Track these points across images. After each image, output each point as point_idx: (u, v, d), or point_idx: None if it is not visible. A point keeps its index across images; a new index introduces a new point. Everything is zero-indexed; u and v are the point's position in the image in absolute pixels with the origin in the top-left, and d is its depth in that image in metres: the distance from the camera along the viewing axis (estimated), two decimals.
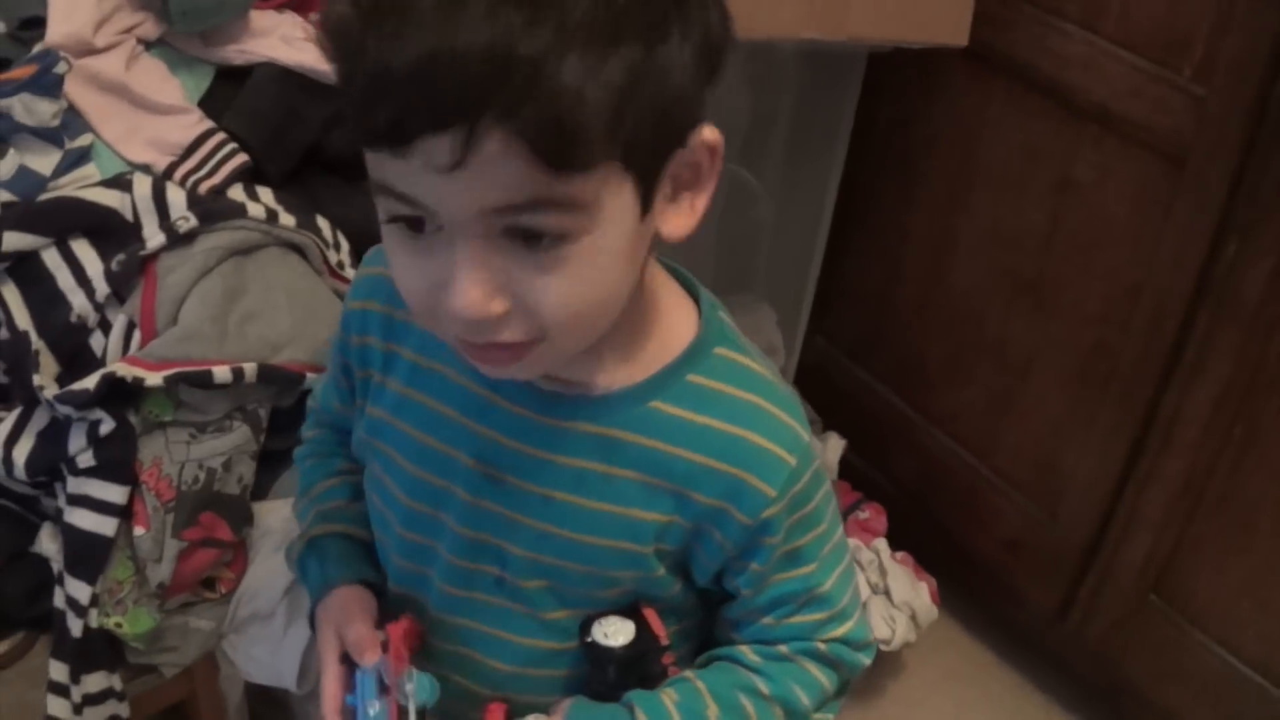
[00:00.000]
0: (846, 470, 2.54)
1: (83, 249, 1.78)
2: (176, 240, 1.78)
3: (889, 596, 2.33)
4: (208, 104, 1.92)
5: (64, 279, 1.77)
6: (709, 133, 1.02)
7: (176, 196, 1.81)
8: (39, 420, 1.77)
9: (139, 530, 1.75)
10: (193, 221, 1.78)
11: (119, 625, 1.76)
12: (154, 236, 1.77)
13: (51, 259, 1.78)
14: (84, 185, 1.83)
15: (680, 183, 1.03)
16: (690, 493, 1.12)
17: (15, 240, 1.75)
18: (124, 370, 1.69)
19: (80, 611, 1.74)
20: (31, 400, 1.77)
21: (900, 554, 2.41)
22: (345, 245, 1.88)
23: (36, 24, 1.97)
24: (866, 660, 1.28)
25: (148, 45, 1.98)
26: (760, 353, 1.20)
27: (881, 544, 2.40)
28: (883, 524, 2.49)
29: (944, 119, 2.38)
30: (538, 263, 0.95)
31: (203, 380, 1.73)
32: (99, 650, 1.78)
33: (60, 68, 1.82)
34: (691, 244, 2.48)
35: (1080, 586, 2.30)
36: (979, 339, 2.40)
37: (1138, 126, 2.02)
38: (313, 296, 1.82)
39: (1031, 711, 2.45)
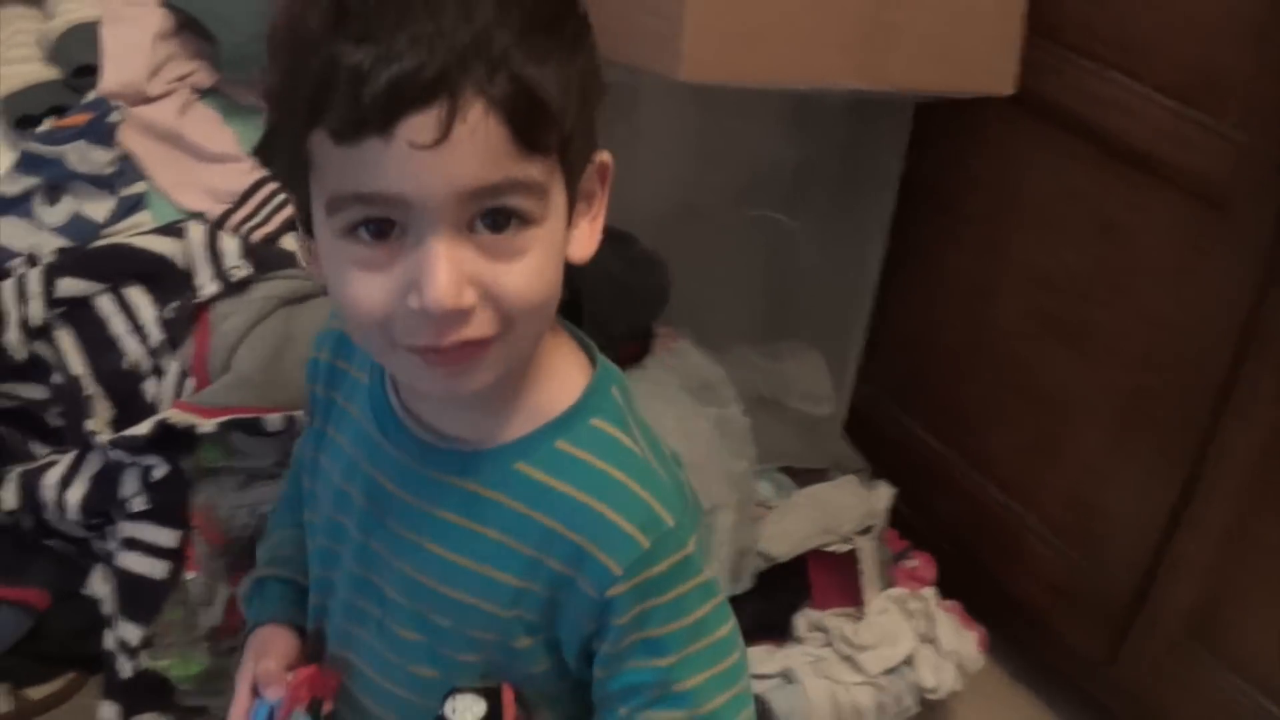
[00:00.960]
0: (896, 518, 2.53)
1: (136, 295, 1.81)
2: (230, 288, 1.81)
3: (936, 646, 2.32)
4: None
5: (117, 325, 1.80)
6: (603, 154, 1.11)
7: (230, 245, 1.85)
8: (92, 464, 1.80)
9: (190, 574, 1.77)
10: (246, 270, 1.81)
11: (170, 667, 1.78)
12: (207, 284, 1.80)
13: (105, 305, 1.81)
14: (137, 232, 1.86)
15: (584, 200, 1.11)
16: (544, 558, 1.11)
17: (70, 286, 1.78)
18: (177, 416, 1.72)
19: (131, 653, 1.76)
20: (85, 444, 1.79)
21: (949, 603, 2.40)
22: None
23: (90, 72, 2.00)
24: None
25: (201, 93, 2.01)
26: (652, 436, 1.20)
27: (930, 593, 2.39)
28: (931, 572, 2.47)
29: (986, 163, 2.38)
30: (502, 251, 1.00)
31: (255, 427, 1.76)
32: (150, 691, 1.80)
33: (114, 116, 1.86)
34: (741, 290, 2.49)
35: (1124, 632, 2.27)
36: (1021, 382, 2.40)
37: (1178, 170, 2.01)
38: None
39: None
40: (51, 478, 1.81)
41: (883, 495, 2.49)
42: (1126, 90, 2.07)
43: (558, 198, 1.03)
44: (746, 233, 2.52)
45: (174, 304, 1.80)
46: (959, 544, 2.56)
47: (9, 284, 1.81)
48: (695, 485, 1.95)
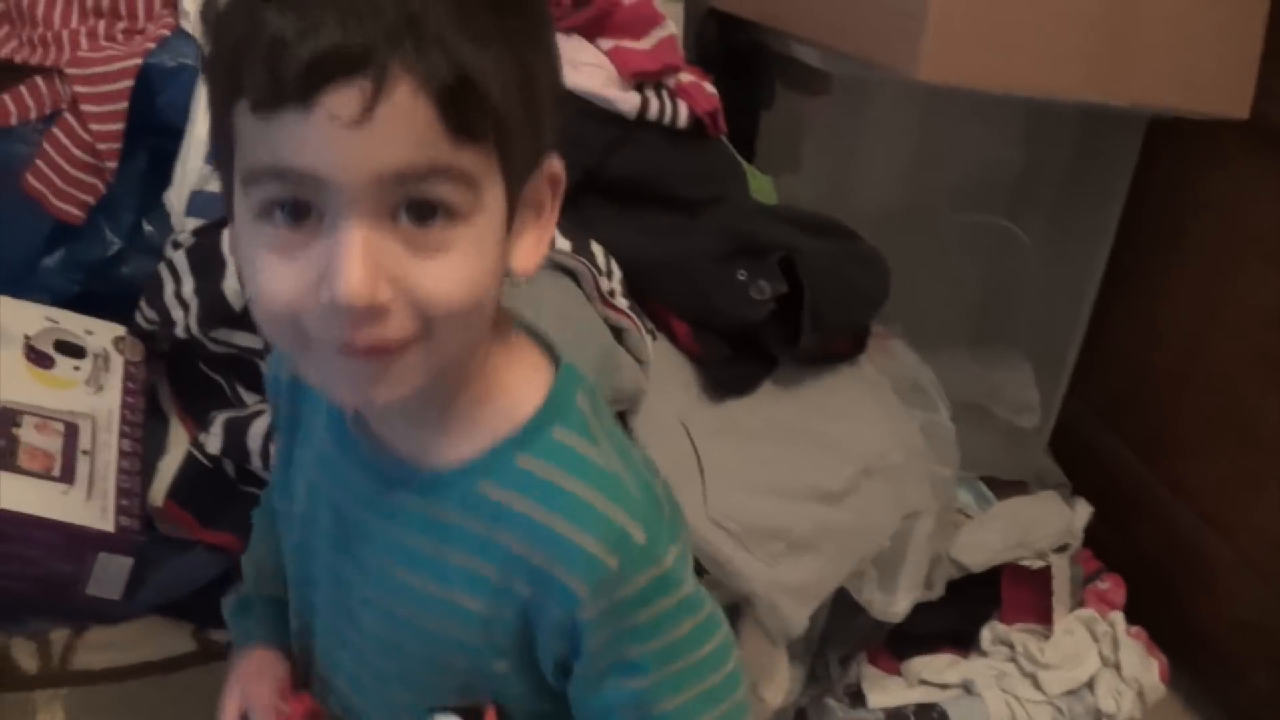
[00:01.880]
0: (1091, 538, 2.48)
1: None
2: None
3: (1119, 671, 2.27)
4: None
5: None
6: (555, 164, 1.06)
7: None
8: None
9: None
10: None
11: None
12: None
13: None
14: None
15: (531, 209, 1.04)
16: (511, 582, 1.06)
17: None
18: None
19: None
20: None
21: (1135, 629, 2.35)
22: (618, 273, 1.88)
23: None
24: None
25: None
26: (624, 443, 1.14)
27: (1117, 617, 2.35)
28: (1121, 597, 2.43)
29: (1217, 189, 2.33)
30: (424, 245, 0.94)
31: None
32: None
33: None
34: (957, 294, 2.47)
35: None
36: (1234, 416, 2.34)
37: None
38: (582, 321, 1.80)
39: None
40: (258, 427, 1.82)
41: (1081, 514, 2.45)
42: None
43: (492, 196, 0.97)
44: (967, 236, 2.49)
45: None
46: (1151, 570, 2.51)
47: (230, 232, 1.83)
48: (899, 488, 1.97)
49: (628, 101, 1.96)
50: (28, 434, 1.85)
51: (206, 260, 1.83)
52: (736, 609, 1.79)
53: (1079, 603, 2.33)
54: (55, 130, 2.03)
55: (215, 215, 1.88)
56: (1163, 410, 2.49)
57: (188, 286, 1.83)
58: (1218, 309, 2.35)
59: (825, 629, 2.13)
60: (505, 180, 0.97)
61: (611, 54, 1.98)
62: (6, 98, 2.09)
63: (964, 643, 2.27)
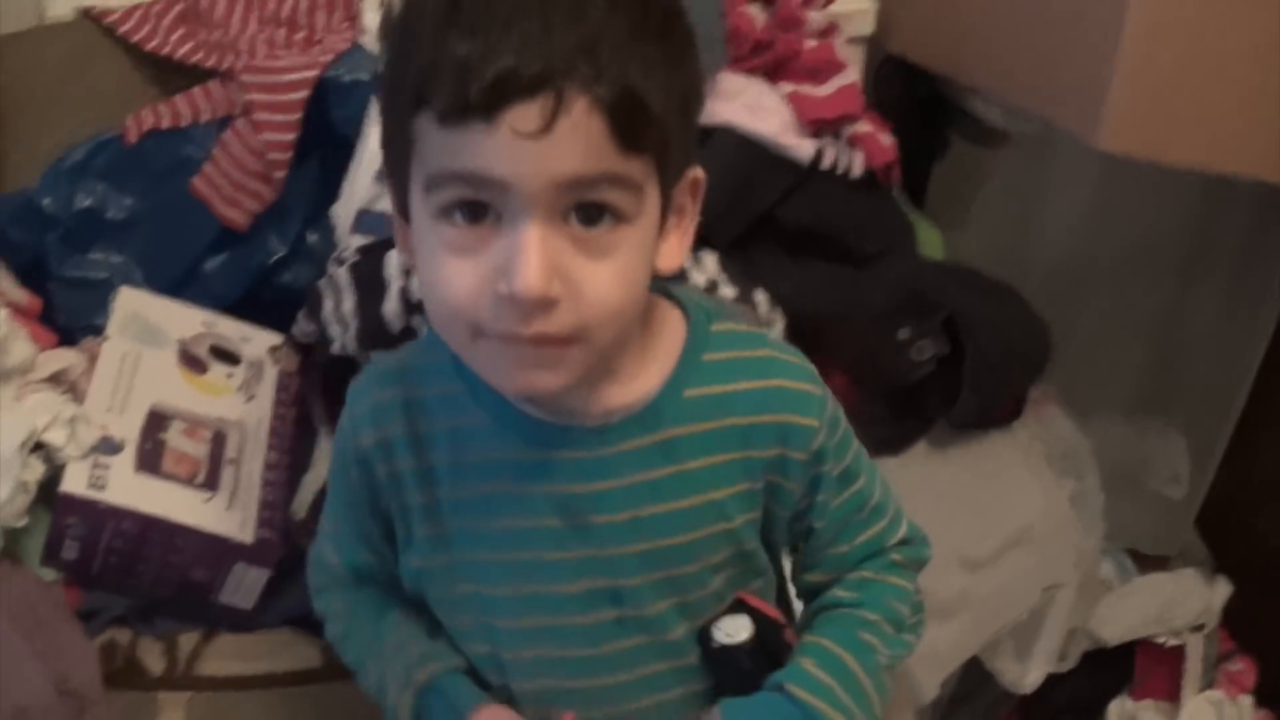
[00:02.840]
0: (1228, 618, 2.43)
1: None
2: None
3: None
4: None
5: None
6: (696, 170, 1.16)
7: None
8: None
9: None
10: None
11: None
12: None
13: None
14: None
15: (677, 210, 1.15)
16: (749, 453, 1.21)
17: None
18: None
19: None
20: None
21: (1263, 712, 2.31)
22: (781, 322, 1.86)
23: None
24: (929, 552, 1.39)
25: None
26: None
27: (1246, 701, 2.31)
28: (1252, 680, 2.38)
29: None
30: (591, 248, 1.04)
31: None
32: None
33: None
34: (1118, 362, 2.43)
35: None
36: None
37: None
38: None
39: None
40: None
41: (1220, 592, 2.40)
42: None
43: (652, 201, 1.07)
44: (1134, 300, 2.45)
45: None
46: None
47: (394, 254, 1.82)
48: (1043, 559, 1.95)
49: (804, 149, 1.93)
50: (175, 438, 1.86)
51: (368, 280, 1.82)
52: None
53: (1210, 683, 2.30)
54: (227, 135, 2.04)
55: (381, 234, 1.87)
56: None
57: (348, 304, 1.82)
58: None
59: (955, 693, 2.11)
60: (661, 186, 1.08)
61: (791, 99, 1.95)
62: (180, 99, 2.10)
63: (1091, 715, 2.25)
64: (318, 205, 2.06)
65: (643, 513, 1.20)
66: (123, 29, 2.18)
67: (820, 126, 1.96)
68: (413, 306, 1.79)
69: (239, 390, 1.97)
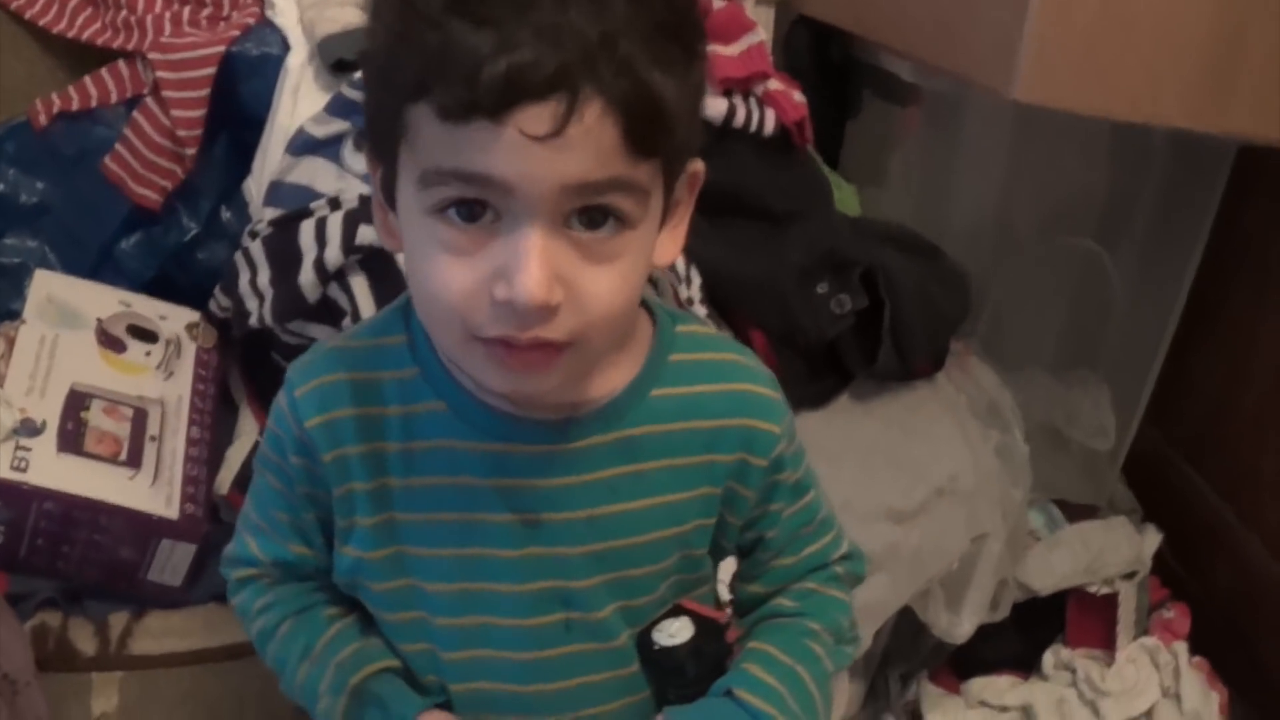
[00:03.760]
0: (1160, 566, 2.45)
1: None
2: None
3: (1179, 701, 2.24)
4: None
5: None
6: (697, 163, 1.12)
7: None
8: None
9: None
10: None
11: None
12: None
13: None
14: None
15: (675, 205, 1.11)
16: (712, 457, 1.18)
17: (370, 234, 1.77)
18: None
19: None
20: None
21: (1197, 659, 2.32)
22: (697, 281, 1.87)
23: None
24: (865, 568, 1.37)
25: None
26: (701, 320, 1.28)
27: (1180, 647, 2.31)
28: (1186, 627, 2.39)
29: None
30: (593, 253, 0.99)
31: None
32: None
33: None
34: (1039, 318, 2.45)
35: None
36: None
37: None
38: None
39: None
40: None
41: (1151, 541, 2.41)
42: None
43: (655, 203, 1.03)
44: (1054, 257, 2.46)
45: None
46: (1221, 605, 2.47)
47: (309, 224, 1.81)
48: (970, 510, 1.95)
49: (714, 108, 1.94)
50: (96, 418, 1.85)
51: (283, 251, 1.81)
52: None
53: (1143, 631, 2.31)
54: (136, 115, 2.03)
55: (293, 206, 1.87)
56: (1245, 448, 2.45)
57: (263, 277, 1.82)
58: None
59: (888, 647, 2.12)
60: (665, 186, 1.04)
61: None
62: (88, 80, 2.10)
63: (1026, 665, 2.25)
64: (230, 182, 2.07)
65: (599, 512, 1.17)
66: (29, 14, 2.18)
67: (730, 85, 1.96)
68: (328, 276, 1.79)
69: (158, 368, 1.96)
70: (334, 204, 1.84)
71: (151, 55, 2.02)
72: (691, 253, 1.88)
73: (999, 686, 2.21)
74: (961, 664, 2.22)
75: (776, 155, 2.01)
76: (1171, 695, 2.25)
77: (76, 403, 1.85)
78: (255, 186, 1.95)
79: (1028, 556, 2.20)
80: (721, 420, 1.18)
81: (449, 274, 0.99)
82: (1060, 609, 2.27)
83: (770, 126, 1.98)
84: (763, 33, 2.05)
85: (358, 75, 1.92)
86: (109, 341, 1.95)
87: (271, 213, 1.89)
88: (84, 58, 2.16)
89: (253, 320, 1.84)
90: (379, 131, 1.04)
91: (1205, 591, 2.49)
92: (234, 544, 1.32)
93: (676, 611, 1.24)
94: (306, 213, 1.84)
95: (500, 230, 0.97)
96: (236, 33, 2.01)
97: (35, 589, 1.84)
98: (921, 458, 1.98)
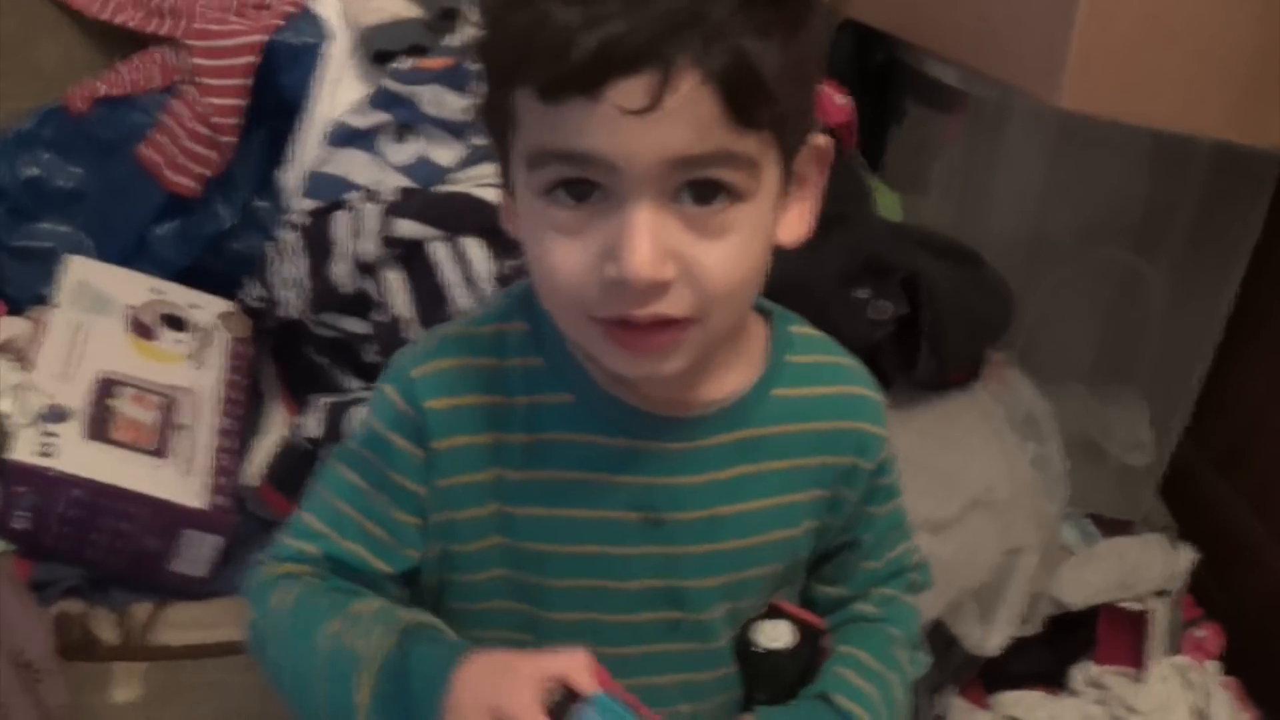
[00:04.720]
0: (1193, 584, 2.43)
1: (473, 247, 1.79)
2: None
3: None
4: None
5: (449, 273, 1.78)
6: (821, 138, 1.09)
7: None
8: None
9: None
10: None
11: None
12: None
13: (439, 252, 1.79)
14: (483, 183, 1.83)
15: (799, 181, 1.08)
16: (826, 459, 1.19)
17: (406, 228, 1.77)
18: None
19: None
20: None
21: (1228, 679, 2.30)
22: None
23: (453, 15, 1.99)
24: (931, 579, 1.37)
25: None
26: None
27: (1212, 667, 2.29)
28: (1218, 646, 2.37)
29: None
30: (705, 227, 0.97)
31: None
32: None
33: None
34: (1078, 326, 2.42)
35: None
36: None
37: None
38: None
39: None
40: (360, 413, 1.80)
41: (1185, 559, 2.39)
42: None
43: (770, 176, 1.00)
44: (1093, 268, 2.44)
45: (513, 262, 1.77)
46: (1253, 622, 2.45)
47: (345, 216, 1.81)
48: (1004, 522, 1.93)
49: None
50: (124, 405, 1.85)
51: (317, 243, 1.81)
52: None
53: (1175, 649, 2.28)
54: (174, 102, 2.03)
55: (329, 197, 1.86)
56: (1278, 463, 2.43)
57: (298, 268, 1.81)
58: None
59: None
60: (781, 158, 1.01)
61: None
62: (125, 67, 2.09)
63: (1056, 681, 2.23)
64: (267, 172, 2.06)
65: (720, 511, 1.16)
66: None
67: None
68: (364, 268, 1.78)
69: (189, 357, 1.96)
70: (371, 196, 1.83)
71: (190, 42, 2.01)
72: None
73: (1028, 702, 2.19)
74: (990, 677, 2.21)
75: None
76: (1201, 716, 2.23)
77: (105, 390, 1.85)
78: (291, 176, 1.95)
79: (1060, 570, 2.18)
80: (836, 422, 1.19)
81: (561, 254, 0.98)
82: (1091, 624, 2.24)
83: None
84: None
85: (399, 66, 1.91)
86: (140, 329, 1.94)
87: (307, 204, 1.88)
88: (122, 43, 2.17)
89: (285, 311, 1.84)
90: (492, 121, 1.03)
91: (1238, 610, 2.47)
92: (284, 538, 1.20)
93: (774, 613, 1.23)
94: (342, 204, 1.83)
95: (609, 209, 0.96)
96: (278, 21, 2.01)
97: (59, 577, 1.83)
98: (957, 468, 1.96)
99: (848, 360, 1.24)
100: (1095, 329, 2.47)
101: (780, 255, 1.90)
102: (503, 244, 1.78)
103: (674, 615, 1.18)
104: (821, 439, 1.18)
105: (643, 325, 0.99)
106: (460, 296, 1.77)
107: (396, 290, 1.79)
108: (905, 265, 1.89)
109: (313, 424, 1.84)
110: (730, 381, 1.15)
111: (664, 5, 0.89)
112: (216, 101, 1.98)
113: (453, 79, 1.86)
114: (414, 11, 2.02)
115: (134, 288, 2.00)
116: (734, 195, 0.97)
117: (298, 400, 1.92)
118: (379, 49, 1.96)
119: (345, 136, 1.91)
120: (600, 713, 0.98)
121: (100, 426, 1.80)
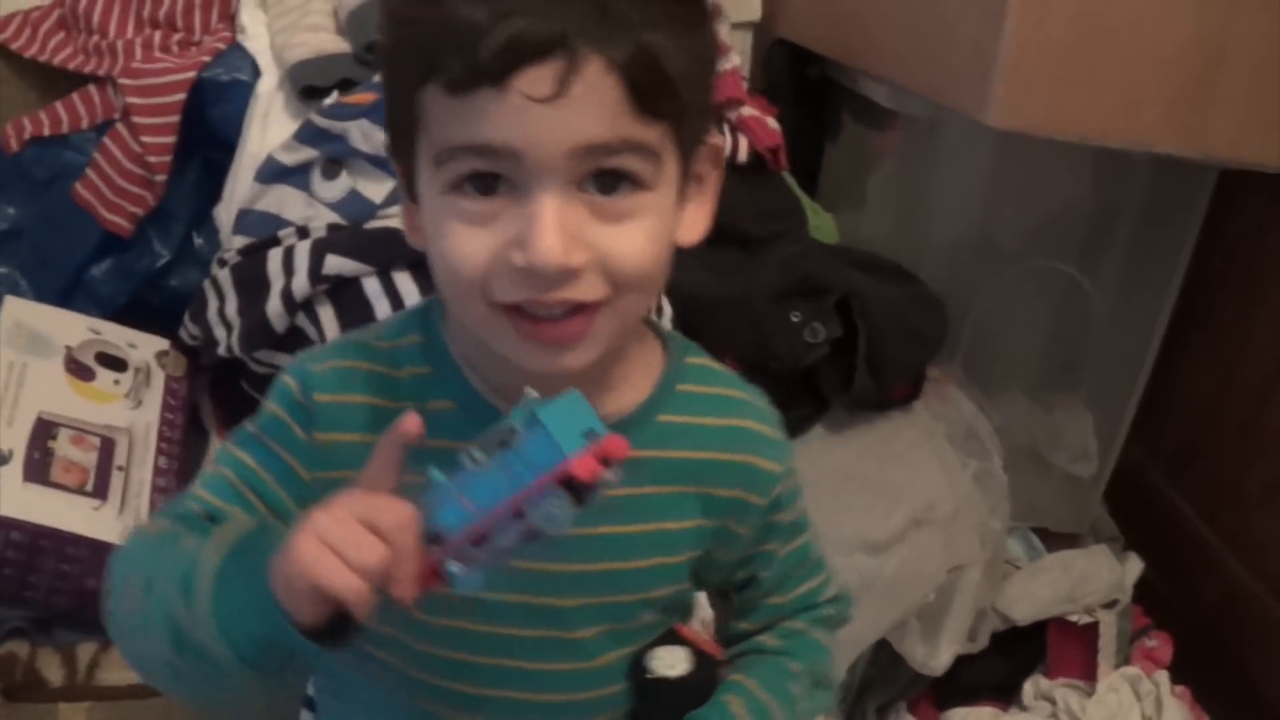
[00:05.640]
0: (1142, 592, 2.43)
1: (404, 281, 1.78)
2: None
3: None
4: None
5: (382, 309, 1.77)
6: (716, 138, 1.11)
7: None
8: None
9: None
10: None
11: None
12: None
13: (372, 288, 1.78)
14: None
15: (697, 179, 1.09)
16: (710, 490, 1.18)
17: (338, 264, 1.76)
18: None
19: None
20: None
21: (1179, 688, 2.30)
22: (668, 310, 1.85)
23: None
24: (851, 612, 1.38)
25: None
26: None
27: (1162, 676, 2.29)
28: (1168, 655, 2.37)
29: None
30: (611, 214, 0.99)
31: None
32: None
33: None
34: (1017, 339, 2.43)
35: None
36: None
37: None
38: None
39: None
40: None
41: (1133, 569, 2.40)
42: None
43: (670, 168, 1.02)
44: (1032, 280, 2.44)
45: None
46: (1206, 628, 2.46)
47: (276, 253, 1.81)
48: (947, 540, 1.94)
49: None
50: (63, 447, 1.84)
51: (251, 280, 1.80)
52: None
53: (1125, 659, 2.29)
54: (107, 140, 2.03)
55: (262, 234, 1.86)
56: (1226, 466, 2.43)
57: (231, 306, 1.81)
58: None
59: (865, 676, 2.10)
60: (680, 152, 1.03)
61: None
62: (59, 106, 2.09)
63: (1006, 695, 2.24)
64: (202, 207, 2.06)
65: (595, 531, 1.14)
66: (0, 38, 2.16)
67: None
68: (295, 305, 1.78)
69: (127, 396, 1.95)
70: (302, 233, 1.83)
71: (122, 81, 2.01)
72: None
73: (979, 717, 2.19)
74: (941, 693, 2.21)
75: (750, 181, 2.00)
76: None
77: (44, 432, 1.84)
78: (225, 213, 1.95)
79: (1007, 585, 2.19)
80: (723, 454, 1.18)
81: (468, 244, 0.99)
82: (1040, 638, 2.25)
83: (744, 152, 1.97)
84: (736, 58, 2.04)
85: (327, 102, 1.91)
86: (78, 369, 1.93)
87: (240, 241, 1.88)
88: (56, 82, 2.16)
89: (221, 349, 1.83)
90: (398, 124, 1.04)
91: (1190, 617, 2.48)
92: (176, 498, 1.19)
93: (674, 638, 1.23)
94: (274, 241, 1.84)
95: (516, 199, 0.97)
96: (207, 58, 2.01)
97: (3, 618, 1.83)
98: (898, 486, 1.97)
99: (746, 395, 1.24)
100: (1037, 339, 2.48)
101: (714, 276, 1.92)
102: (432, 279, 1.77)
103: (549, 633, 1.18)
104: (706, 468, 1.18)
105: (552, 316, 1.00)
106: None
107: (330, 326, 1.78)
108: (839, 286, 1.90)
109: None
110: (616, 403, 1.15)
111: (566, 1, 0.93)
112: (149, 140, 1.98)
113: (381, 114, 1.85)
114: (342, 46, 2.01)
115: (71, 328, 1.99)
116: (637, 184, 0.99)
117: None
118: (307, 84, 1.95)
119: (276, 173, 1.90)
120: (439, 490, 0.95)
121: (39, 469, 1.79)
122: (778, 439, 1.23)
